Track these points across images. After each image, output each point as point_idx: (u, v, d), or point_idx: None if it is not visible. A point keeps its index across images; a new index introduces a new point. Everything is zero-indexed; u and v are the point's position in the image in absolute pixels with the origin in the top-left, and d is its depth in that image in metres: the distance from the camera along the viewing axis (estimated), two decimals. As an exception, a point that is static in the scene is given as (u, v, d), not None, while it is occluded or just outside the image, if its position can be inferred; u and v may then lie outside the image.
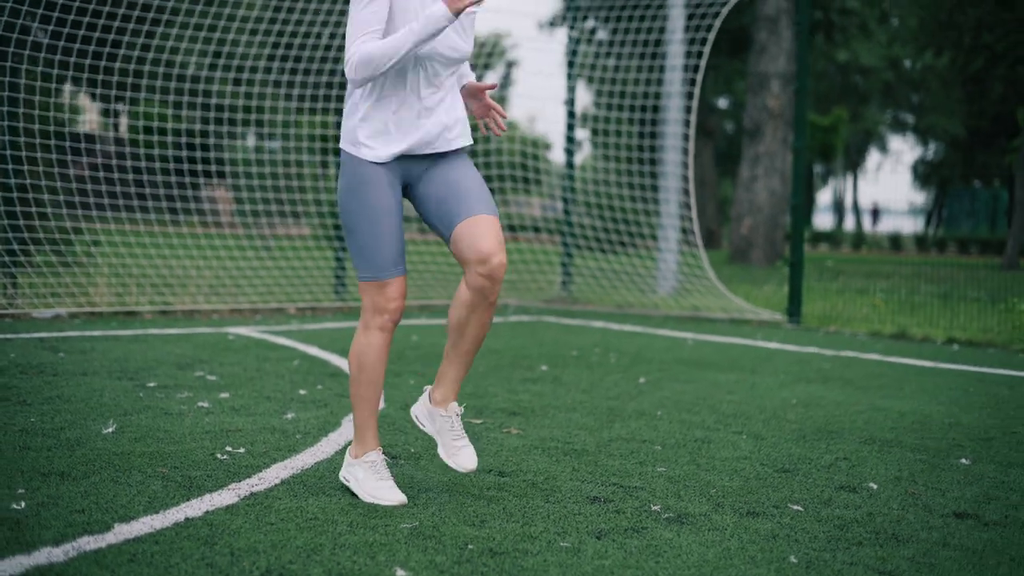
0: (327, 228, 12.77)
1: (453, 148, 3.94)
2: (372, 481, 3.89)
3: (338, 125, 12.22)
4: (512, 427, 5.30)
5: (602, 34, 20.91)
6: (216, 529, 3.45)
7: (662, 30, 12.49)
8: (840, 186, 70.28)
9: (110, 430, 4.82)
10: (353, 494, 3.94)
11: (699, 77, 11.69)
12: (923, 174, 63.11)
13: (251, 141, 22.74)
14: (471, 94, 4.11)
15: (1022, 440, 5.43)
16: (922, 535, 3.73)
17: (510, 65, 60.15)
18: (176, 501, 3.75)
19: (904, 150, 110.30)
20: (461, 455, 3.95)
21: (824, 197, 75.33)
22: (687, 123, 12.19)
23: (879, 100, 54.76)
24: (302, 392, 6.08)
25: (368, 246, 3.85)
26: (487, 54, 18.03)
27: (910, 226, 67.77)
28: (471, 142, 4.03)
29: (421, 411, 4.11)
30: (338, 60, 11.95)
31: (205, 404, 5.56)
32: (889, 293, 13.16)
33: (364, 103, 3.86)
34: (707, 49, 11.53)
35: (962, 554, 3.53)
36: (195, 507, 3.68)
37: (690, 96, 12.18)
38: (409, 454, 4.67)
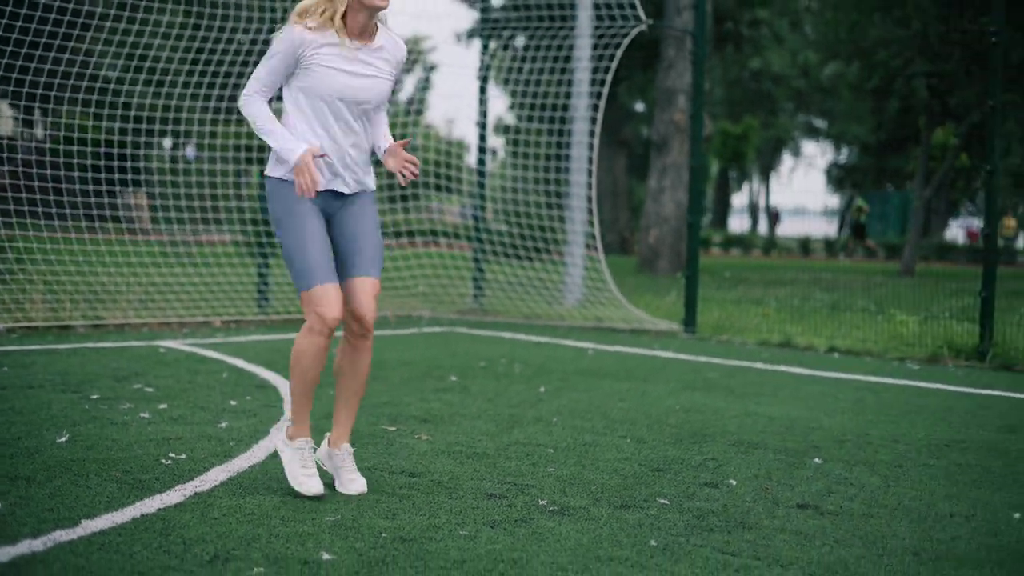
0: (248, 235, 13.25)
1: (360, 190, 4.70)
2: (296, 467, 4.61)
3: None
4: (422, 433, 5.97)
5: (520, 40, 21.59)
6: (168, 523, 4.09)
7: (571, 47, 13.23)
8: (754, 189, 71.55)
9: (64, 439, 5.42)
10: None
11: (601, 103, 12.46)
12: (836, 177, 64.51)
13: (168, 148, 23.13)
14: (390, 153, 4.74)
15: (872, 441, 6.20)
16: (765, 522, 4.45)
17: (430, 69, 60.62)
18: (131, 500, 4.38)
19: (817, 154, 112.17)
20: (354, 486, 4.67)
21: (740, 200, 76.61)
22: (593, 133, 12.89)
23: (792, 107, 56.01)
24: (233, 403, 6.71)
25: (301, 261, 4.52)
26: (411, 60, 18.61)
27: (825, 228, 69.22)
28: (374, 188, 4.77)
29: (322, 454, 4.84)
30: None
31: (146, 415, 6.17)
32: (782, 302, 14.01)
33: None
34: (609, 76, 12.27)
35: (795, 537, 4.25)
36: (148, 505, 4.31)
37: (595, 115, 12.91)
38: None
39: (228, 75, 12.59)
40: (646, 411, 6.94)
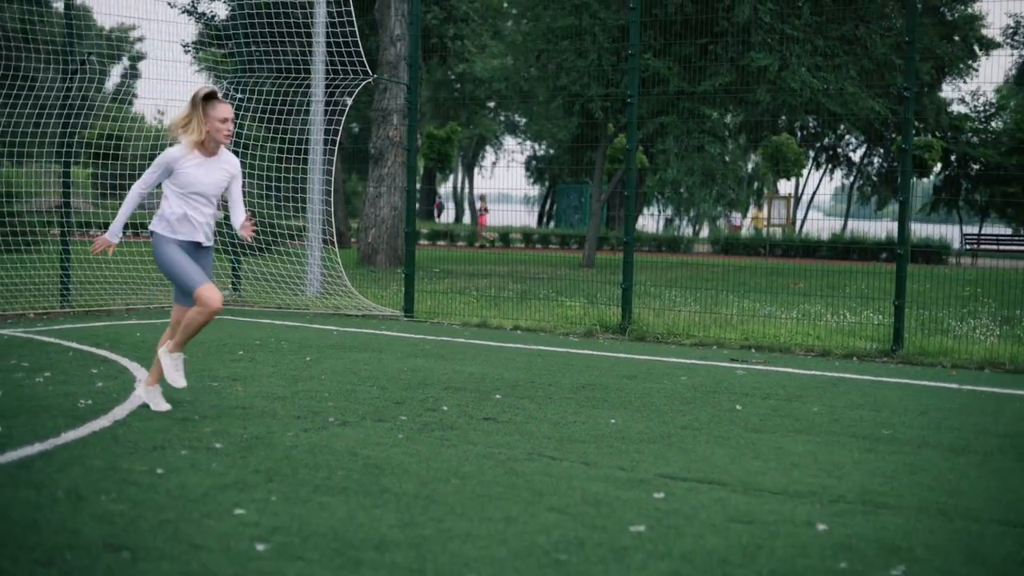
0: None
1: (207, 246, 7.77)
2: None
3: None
4: (237, 386, 8.90)
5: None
6: (88, 448, 6.94)
7: (308, 88, 16.15)
8: (458, 182, 74.91)
9: (-1, 393, 8.13)
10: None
11: (338, 136, 15.51)
12: (536, 169, 68.74)
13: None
14: (242, 227, 7.69)
15: (534, 385, 9.45)
16: (464, 426, 7.57)
17: (136, 60, 61.46)
18: (76, 425, 7.19)
19: (517, 149, 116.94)
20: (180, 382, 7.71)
21: (445, 190, 79.87)
22: (329, 151, 15.87)
23: (494, 107, 59.60)
24: (93, 371, 9.45)
25: (186, 275, 7.47)
26: (116, 48, 20.71)
27: (526, 219, 73.47)
28: (213, 243, 7.83)
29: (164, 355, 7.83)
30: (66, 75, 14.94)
31: (40, 380, 8.88)
32: (482, 292, 17.35)
33: (170, 213, 7.56)
34: (343, 118, 15.33)
35: (483, 434, 7.39)
36: (92, 426, 7.14)
37: (333, 136, 15.89)
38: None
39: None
40: (384, 371, 10.03)
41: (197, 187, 7.50)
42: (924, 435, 7.78)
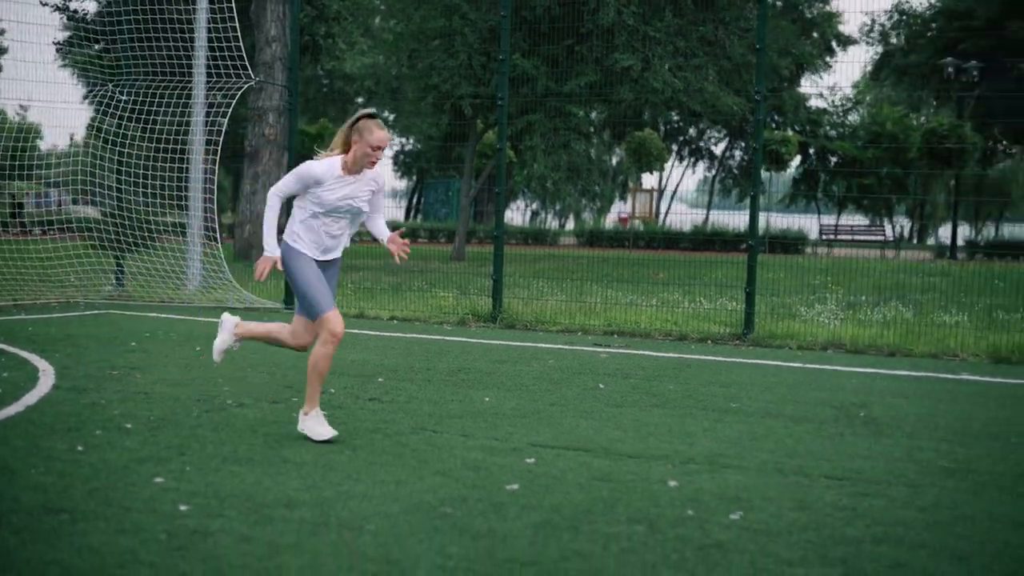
0: None
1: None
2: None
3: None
4: (136, 374, 9.46)
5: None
6: (7, 430, 7.49)
7: (191, 88, 16.62)
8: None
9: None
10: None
11: (221, 139, 16.02)
12: (404, 163, 69.25)
13: None
14: (390, 241, 7.24)
15: (412, 369, 10.17)
16: (351, 405, 8.25)
17: (-1, 52, 60.48)
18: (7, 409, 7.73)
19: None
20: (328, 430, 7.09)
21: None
22: (214, 145, 16.38)
23: (363, 102, 59.93)
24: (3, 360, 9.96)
25: (315, 293, 7.04)
26: None
27: (394, 213, 73.90)
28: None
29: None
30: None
31: (-56, 370, 9.36)
32: (357, 284, 18.00)
33: (303, 227, 7.11)
34: (225, 120, 15.86)
35: (368, 412, 8.08)
36: (13, 408, 7.68)
37: (216, 137, 16.40)
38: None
39: None
40: (271, 359, 10.65)
41: (336, 206, 7.06)
42: (767, 407, 8.69)
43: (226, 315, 7.88)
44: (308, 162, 7.09)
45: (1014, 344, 12.28)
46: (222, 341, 7.81)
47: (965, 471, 6.70)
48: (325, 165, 7.03)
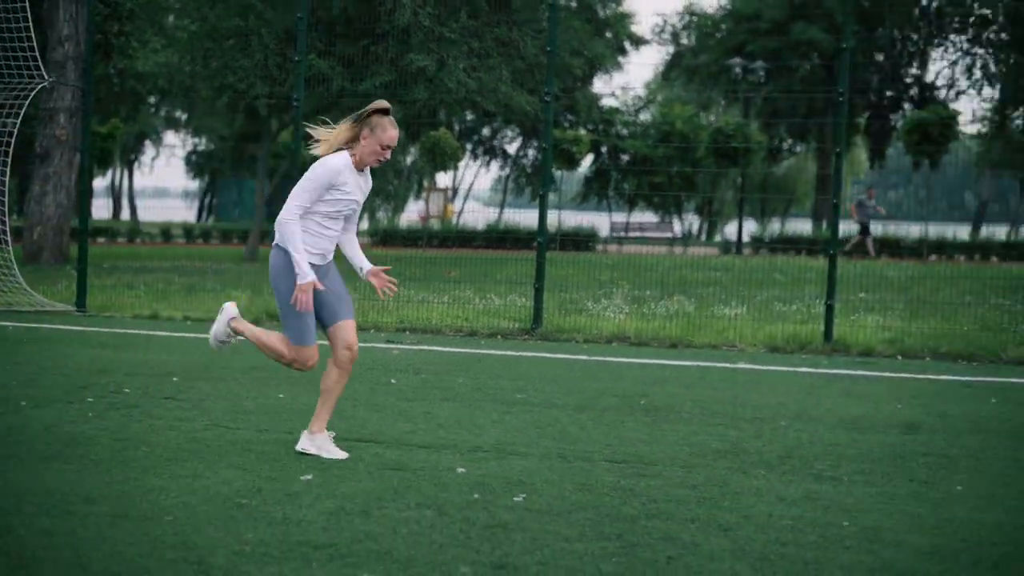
0: None
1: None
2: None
3: None
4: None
5: None
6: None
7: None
8: (116, 177, 73.18)
9: None
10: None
11: (11, 147, 15.77)
12: (196, 164, 68.26)
13: None
14: (373, 275, 6.91)
15: (212, 370, 10.27)
16: (144, 402, 8.40)
17: None
18: None
19: (177, 143, 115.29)
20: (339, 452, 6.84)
21: (101, 183, 77.97)
22: (6, 147, 16.11)
23: (155, 102, 58.86)
24: None
25: (299, 325, 6.72)
26: None
27: (184, 213, 72.87)
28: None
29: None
30: None
31: None
32: (149, 286, 17.93)
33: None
34: (18, 120, 15.61)
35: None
36: None
37: (9, 137, 16.15)
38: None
39: None
40: (65, 361, 10.57)
41: (343, 206, 6.61)
42: (552, 398, 9.15)
43: (228, 303, 7.29)
44: (324, 164, 6.52)
45: (788, 334, 13.08)
46: (218, 330, 7.25)
47: (736, 452, 7.26)
48: (342, 163, 6.51)
